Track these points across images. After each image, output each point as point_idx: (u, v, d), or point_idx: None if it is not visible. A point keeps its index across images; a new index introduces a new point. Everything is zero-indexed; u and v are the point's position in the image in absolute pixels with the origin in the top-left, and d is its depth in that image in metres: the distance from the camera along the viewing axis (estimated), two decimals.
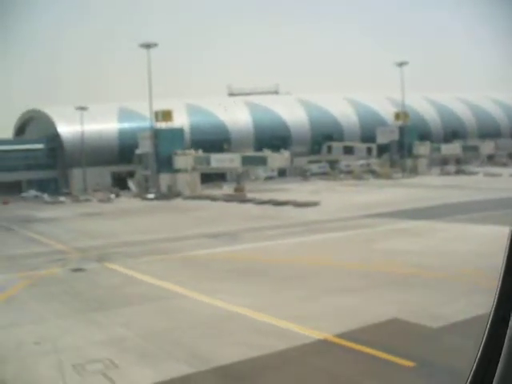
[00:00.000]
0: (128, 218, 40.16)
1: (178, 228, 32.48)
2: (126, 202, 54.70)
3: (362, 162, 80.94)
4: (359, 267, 19.04)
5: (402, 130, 78.96)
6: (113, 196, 57.00)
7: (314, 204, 41.55)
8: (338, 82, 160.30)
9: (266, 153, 61.14)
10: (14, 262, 23.25)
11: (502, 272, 2.06)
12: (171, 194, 55.14)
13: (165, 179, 57.86)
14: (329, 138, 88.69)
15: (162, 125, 62.48)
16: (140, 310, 14.49)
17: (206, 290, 16.29)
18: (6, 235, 34.12)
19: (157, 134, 58.94)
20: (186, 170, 57.18)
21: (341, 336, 11.44)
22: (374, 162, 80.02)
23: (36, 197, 69.75)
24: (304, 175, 77.07)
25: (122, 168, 75.25)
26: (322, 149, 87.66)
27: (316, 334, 11.74)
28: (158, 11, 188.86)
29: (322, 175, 78.18)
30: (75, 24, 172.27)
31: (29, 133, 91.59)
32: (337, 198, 47.24)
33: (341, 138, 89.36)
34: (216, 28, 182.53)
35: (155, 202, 51.79)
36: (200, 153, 59.88)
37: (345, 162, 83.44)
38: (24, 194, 70.17)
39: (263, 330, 12.37)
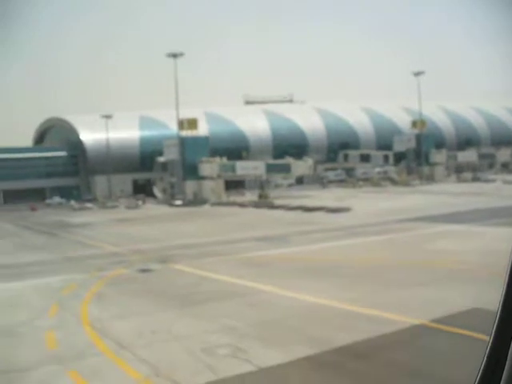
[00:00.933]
0: (164, 224, 41.16)
1: (221, 232, 33.43)
2: (153, 208, 55.77)
3: (378, 169, 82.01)
4: (420, 264, 20.00)
5: (418, 138, 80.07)
6: (140, 202, 58.07)
7: (346, 210, 42.53)
8: (350, 90, 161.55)
9: (289, 160, 62.19)
10: (79, 264, 24.22)
11: (509, 271, 2.15)
12: (197, 200, 56.18)
13: (190, 186, 58.96)
14: (345, 146, 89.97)
15: (186, 133, 63.68)
16: (231, 304, 15.43)
17: (282, 286, 17.24)
18: (54, 239, 35.14)
19: (183, 142, 60.10)
20: (211, 177, 58.28)
21: (436, 321, 12.37)
22: (391, 170, 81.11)
23: (60, 203, 71.00)
24: (322, 182, 78.10)
25: (143, 175, 76.59)
26: (338, 156, 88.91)
27: (411, 320, 12.69)
28: (168, 18, 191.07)
29: (340, 182, 79.28)
30: (91, 31, 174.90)
31: (48, 141, 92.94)
32: (365, 204, 48.13)
33: (357, 146, 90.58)
34: (226, 37, 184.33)
35: (184, 209, 52.84)
36: (224, 160, 61.00)
37: (361, 169, 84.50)
38: (48, 201, 71.37)
39: (360, 317, 13.32)
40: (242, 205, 51.50)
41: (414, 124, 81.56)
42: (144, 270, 21.57)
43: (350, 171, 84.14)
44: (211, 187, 57.71)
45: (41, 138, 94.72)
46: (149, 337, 12.53)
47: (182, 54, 58.44)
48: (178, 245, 28.62)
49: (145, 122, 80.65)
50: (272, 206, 48.35)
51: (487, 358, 2.17)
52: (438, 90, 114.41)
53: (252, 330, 12.65)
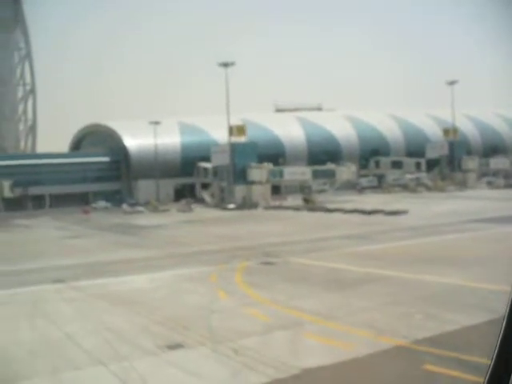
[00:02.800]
0: (235, 225, 43.33)
1: (300, 232, 35.54)
2: (206, 211, 57.97)
3: (410, 176, 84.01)
4: None
5: (451, 145, 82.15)
6: (193, 206, 60.38)
7: (403, 212, 44.61)
8: (374, 97, 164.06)
9: (333, 166, 64.42)
10: (193, 259, 26.28)
11: None
12: (248, 204, 58.43)
13: (239, 190, 61.26)
14: (376, 152, 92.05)
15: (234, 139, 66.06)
16: (379, 286, 17.56)
17: (408, 272, 19.47)
18: (140, 239, 37.18)
19: (233, 148, 62.47)
20: (260, 182, 60.56)
21: None
22: (424, 176, 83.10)
23: (106, 207, 73.38)
24: (357, 188, 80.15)
25: (184, 180, 78.96)
26: (369, 163, 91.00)
27: None
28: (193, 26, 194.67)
29: (374, 188, 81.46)
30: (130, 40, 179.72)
31: (85, 146, 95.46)
32: (416, 207, 49.98)
33: (387, 153, 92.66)
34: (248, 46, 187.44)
35: (239, 212, 55.08)
36: (271, 166, 63.36)
37: (391, 175, 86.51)
38: (95, 205, 73.69)
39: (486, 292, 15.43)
40: (296, 208, 53.70)
41: (446, 132, 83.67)
42: (267, 263, 23.68)
43: (380, 178, 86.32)
44: (260, 192, 59.97)
45: (78, 143, 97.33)
46: (344, 311, 14.67)
47: (233, 64, 60.88)
48: (271, 243, 30.65)
49: (184, 129, 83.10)
50: (327, 210, 50.42)
51: (496, 357, 2.39)
52: (462, 97, 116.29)
53: (421, 302, 14.88)
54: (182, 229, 42.34)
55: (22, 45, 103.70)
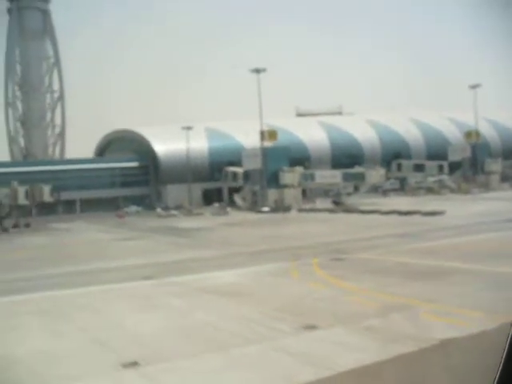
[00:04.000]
0: (277, 227, 44.68)
1: (348, 232, 36.91)
2: (241, 215, 59.49)
3: (433, 178, 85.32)
4: None
5: (473, 147, 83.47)
6: (228, 209, 61.99)
7: (440, 213, 45.91)
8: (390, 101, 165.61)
9: (362, 169, 65.84)
10: (259, 257, 27.60)
11: None
12: (282, 207, 59.94)
13: (272, 194, 62.82)
14: (397, 156, 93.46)
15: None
16: (458, 276, 18.86)
17: (480, 264, 20.78)
18: (190, 240, 38.65)
19: (264, 152, 64.07)
20: (292, 186, 62.09)
21: None
22: (447, 179, 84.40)
23: (137, 211, 75.11)
24: (381, 191, 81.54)
25: (211, 184, 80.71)
26: (391, 166, 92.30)
27: None
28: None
29: (396, 191, 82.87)
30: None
31: (110, 153, 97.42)
32: (449, 208, 51.21)
33: (408, 156, 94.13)
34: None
35: (274, 215, 56.52)
36: (302, 169, 64.92)
37: (413, 178, 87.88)
38: (126, 209, 75.44)
39: None
40: (330, 210, 55.14)
41: (469, 135, 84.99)
42: (336, 259, 25.00)
43: (402, 180, 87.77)
44: (293, 195, 61.50)
45: (103, 150, 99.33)
46: (442, 296, 16.00)
47: (264, 70, 62.48)
48: (324, 242, 31.86)
49: (210, 134, 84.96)
50: (363, 211, 51.80)
51: (503, 364, 2.40)
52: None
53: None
54: (228, 231, 43.83)
55: (51, 53, 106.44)
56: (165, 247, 35.26)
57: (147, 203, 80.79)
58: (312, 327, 13.46)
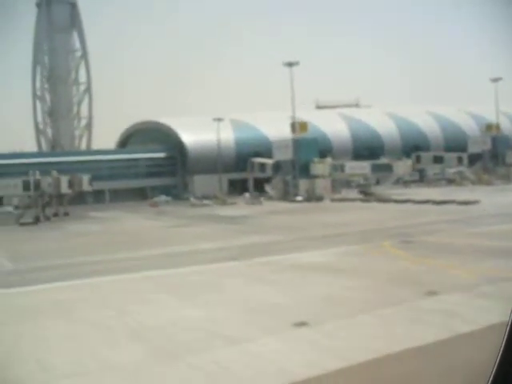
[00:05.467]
0: (320, 214, 46.32)
1: (393, 219, 37.88)
2: (275, 204, 61.27)
3: (453, 170, 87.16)
4: None
5: (493, 140, 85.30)
6: (262, 199, 63.92)
7: (475, 202, 47.72)
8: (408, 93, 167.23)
9: (390, 160, 67.71)
10: (331, 240, 29.22)
11: None
12: (314, 196, 61.88)
13: (303, 184, 64.77)
14: (416, 148, 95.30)
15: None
16: None
17: None
18: (242, 226, 40.34)
19: (295, 144, 66.00)
20: (323, 176, 64.06)
21: None
22: (466, 170, 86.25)
23: (167, 201, 77.02)
24: (401, 182, 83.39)
25: (236, 175, 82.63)
26: (410, 158, 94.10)
27: None
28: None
29: (416, 182, 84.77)
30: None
31: (132, 143, 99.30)
32: (481, 198, 52.99)
33: (427, 149, 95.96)
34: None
35: (308, 204, 58.46)
36: (330, 160, 66.86)
37: (431, 170, 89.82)
38: (156, 199, 77.37)
39: None
40: (363, 200, 57.09)
41: (489, 127, 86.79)
42: (406, 242, 26.78)
43: (421, 172, 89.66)
44: (324, 185, 63.46)
45: (126, 141, 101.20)
46: None
47: (297, 63, 64.26)
48: (381, 228, 33.34)
49: (236, 125, 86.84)
50: (396, 201, 53.66)
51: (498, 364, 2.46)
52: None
53: None
54: (274, 218, 45.63)
55: (78, 46, 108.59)
56: (223, 233, 36.93)
57: (174, 193, 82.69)
58: (433, 293, 15.33)
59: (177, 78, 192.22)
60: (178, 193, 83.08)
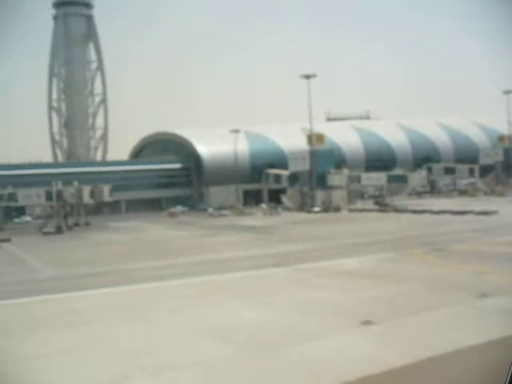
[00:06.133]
0: (341, 225, 47.32)
1: (413, 229, 38.87)
2: (293, 215, 62.25)
3: (464, 181, 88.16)
4: None
5: (506, 151, 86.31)
6: (279, 210, 64.96)
7: (493, 212, 48.67)
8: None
9: (405, 172, 68.79)
10: (362, 249, 30.00)
11: None
12: (332, 207, 62.90)
13: (320, 195, 65.83)
14: (427, 159, 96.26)
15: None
16: None
17: None
18: (274, 236, 41.22)
19: (312, 155, 67.14)
20: (340, 187, 65.12)
21: None
22: (478, 182, 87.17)
23: (183, 212, 78.04)
24: (413, 193, 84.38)
25: (251, 186, 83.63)
26: (422, 169, 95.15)
27: None
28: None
29: (428, 193, 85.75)
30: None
31: (144, 155, 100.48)
32: (498, 208, 53.84)
33: (438, 160, 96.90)
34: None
35: (326, 214, 59.44)
36: (347, 171, 67.99)
37: (442, 181, 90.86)
38: (173, 210, 78.36)
39: None
40: (380, 210, 58.09)
41: (502, 139, 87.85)
42: (436, 250, 27.72)
43: (432, 183, 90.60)
44: (341, 196, 64.51)
45: (139, 152, 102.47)
46: None
47: (314, 76, 65.48)
48: (407, 236, 34.10)
49: (250, 137, 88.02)
50: (414, 211, 54.62)
51: None
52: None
53: None
54: (297, 228, 46.58)
55: (94, 58, 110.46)
56: (253, 242, 37.81)
57: (190, 204, 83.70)
58: (485, 295, 16.29)
59: (189, 90, 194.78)
60: (193, 203, 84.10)
